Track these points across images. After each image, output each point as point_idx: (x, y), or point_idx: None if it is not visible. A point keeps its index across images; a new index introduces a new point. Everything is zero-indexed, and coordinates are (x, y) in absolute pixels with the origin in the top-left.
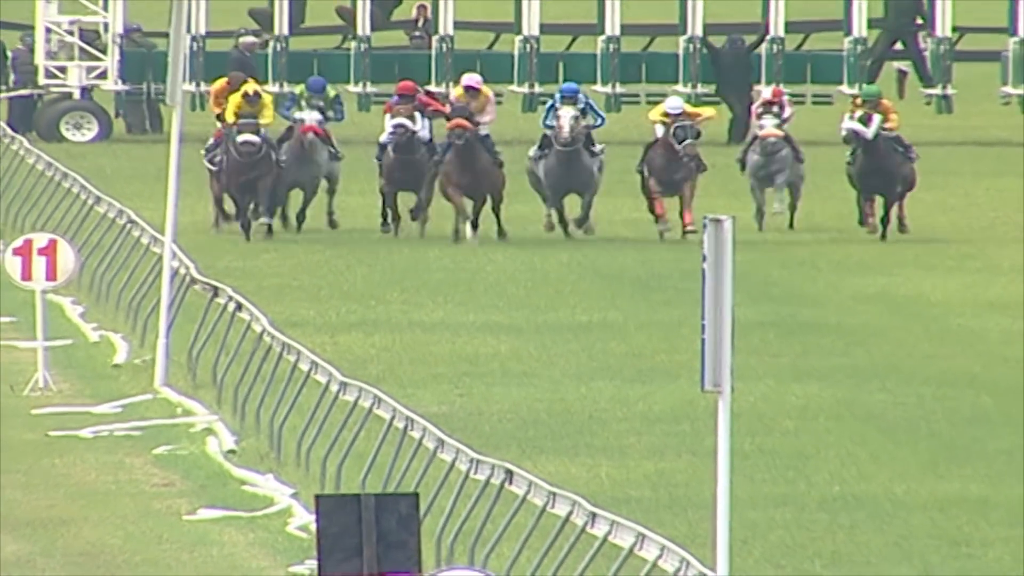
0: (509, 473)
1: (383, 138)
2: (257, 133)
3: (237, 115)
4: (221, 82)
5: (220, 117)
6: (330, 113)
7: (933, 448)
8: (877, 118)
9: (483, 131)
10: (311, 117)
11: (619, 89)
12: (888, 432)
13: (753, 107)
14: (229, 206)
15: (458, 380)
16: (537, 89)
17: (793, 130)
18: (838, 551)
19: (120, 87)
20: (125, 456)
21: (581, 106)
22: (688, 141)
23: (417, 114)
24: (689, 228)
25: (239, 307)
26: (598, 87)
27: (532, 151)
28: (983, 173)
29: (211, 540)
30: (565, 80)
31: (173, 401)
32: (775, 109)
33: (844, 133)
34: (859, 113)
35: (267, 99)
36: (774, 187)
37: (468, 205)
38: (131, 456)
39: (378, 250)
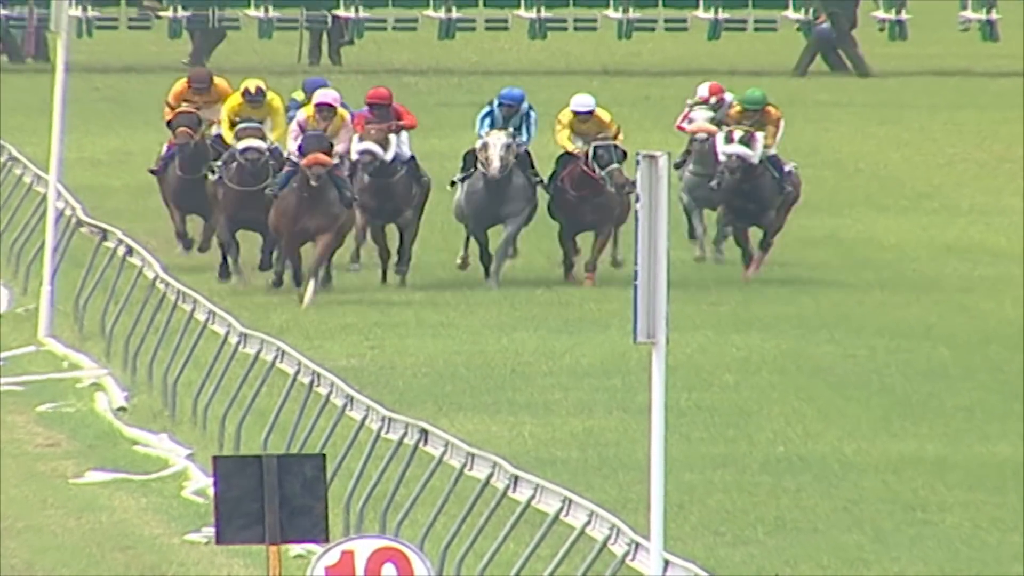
0: (424, 432)
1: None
2: (264, 139)
3: (234, 120)
4: (180, 83)
5: (171, 125)
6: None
7: (886, 404)
8: (760, 137)
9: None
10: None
11: (633, 15)
12: (837, 387)
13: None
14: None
15: (369, 331)
16: (544, 14)
17: (732, 56)
18: (782, 516)
19: (0, 12)
20: (6, 414)
21: (514, 128)
22: (614, 166)
23: (392, 136)
24: (589, 278)
25: (130, 251)
26: (611, 12)
27: (457, 174)
28: (940, 105)
29: (100, 505)
30: (575, 3)
31: (58, 354)
32: (712, 102)
33: (724, 159)
34: (739, 133)
35: (276, 101)
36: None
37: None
38: (13, 414)
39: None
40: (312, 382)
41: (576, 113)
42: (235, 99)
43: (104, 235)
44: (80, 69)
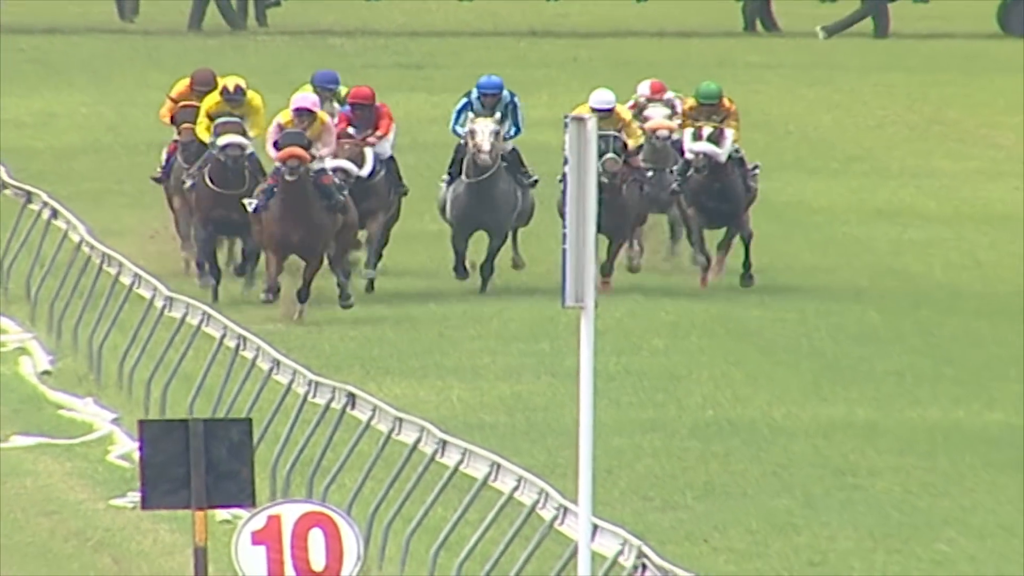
0: (351, 396)
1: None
2: (244, 135)
3: (212, 117)
4: (182, 83)
5: (175, 121)
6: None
7: (816, 369)
8: (730, 134)
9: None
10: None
11: None
12: (766, 351)
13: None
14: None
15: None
16: None
17: (660, 18)
18: (712, 481)
19: None
20: None
21: (499, 114)
22: (609, 156)
23: (368, 150)
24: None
25: (55, 214)
26: None
27: (443, 176)
28: (871, 67)
29: (24, 470)
30: None
31: None
32: (663, 100)
33: (691, 156)
34: (708, 130)
35: (256, 100)
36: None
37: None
38: None
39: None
40: (238, 346)
41: (595, 110)
42: (213, 96)
43: (28, 197)
44: (5, 31)
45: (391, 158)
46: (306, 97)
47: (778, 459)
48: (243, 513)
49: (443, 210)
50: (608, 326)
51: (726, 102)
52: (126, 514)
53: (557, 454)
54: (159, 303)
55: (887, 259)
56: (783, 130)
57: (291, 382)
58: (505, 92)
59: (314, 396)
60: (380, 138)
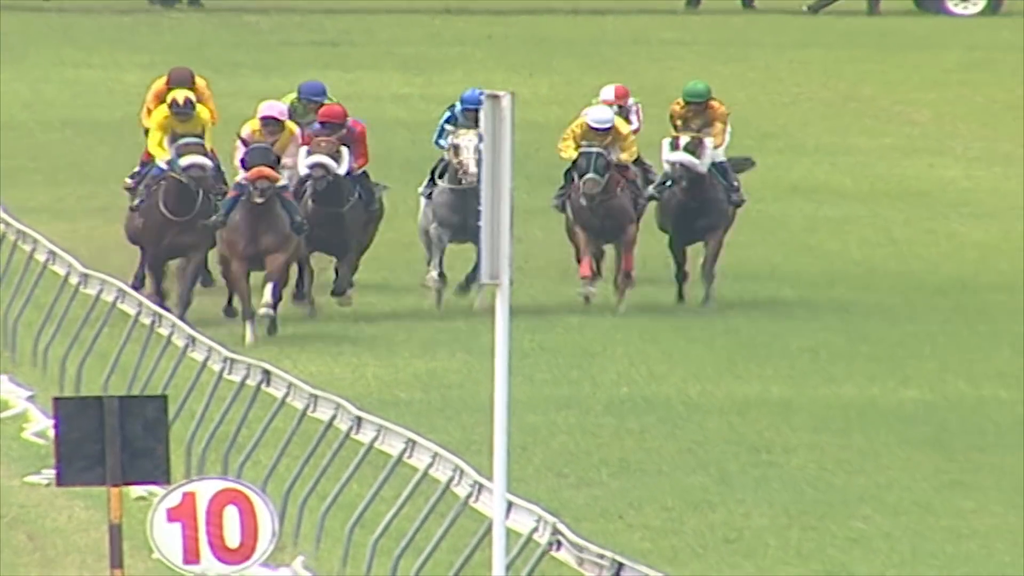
0: (266, 374)
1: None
2: (207, 156)
3: (164, 131)
4: (159, 83)
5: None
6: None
7: (730, 346)
8: (710, 143)
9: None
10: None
11: None
12: (681, 329)
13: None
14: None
15: (213, 270)
16: None
17: None
18: (626, 458)
19: None
20: None
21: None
22: (589, 176)
23: (344, 149)
24: (624, 288)
25: None
26: None
27: (422, 186)
28: (785, 44)
29: None
30: None
31: None
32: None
33: (668, 168)
34: (686, 139)
35: (204, 113)
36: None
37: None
38: None
39: (122, 129)
40: (153, 323)
41: (593, 129)
42: (161, 112)
43: None
44: None
45: (364, 173)
46: (273, 106)
47: (693, 436)
48: (158, 490)
49: (425, 219)
50: (523, 303)
51: (714, 104)
52: (41, 491)
53: (472, 431)
54: (74, 280)
55: (802, 236)
56: None
57: (206, 359)
58: None
59: (229, 373)
60: (358, 168)
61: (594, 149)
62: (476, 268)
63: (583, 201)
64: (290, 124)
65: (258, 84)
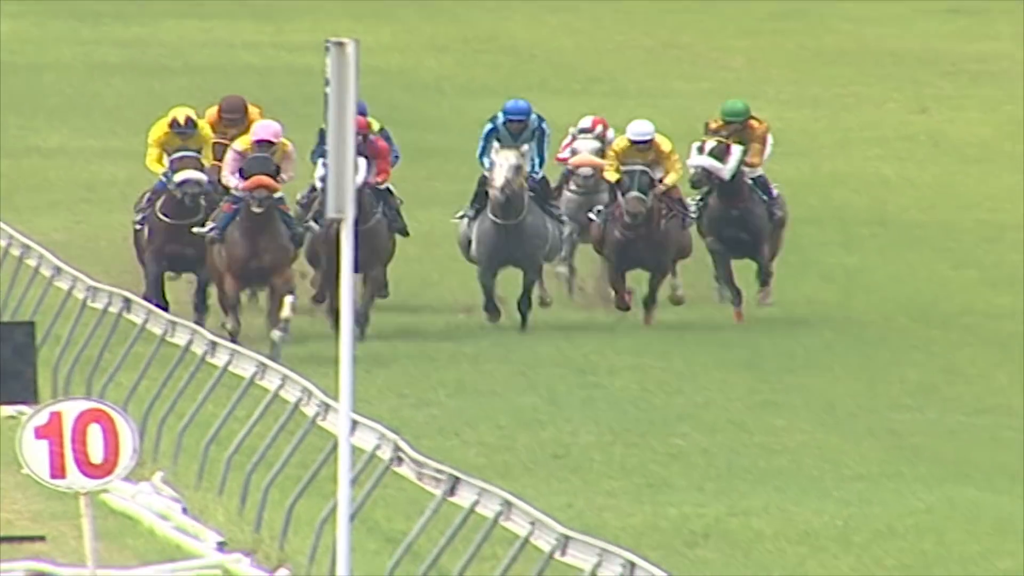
0: (127, 301)
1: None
2: (202, 171)
3: (163, 151)
4: (211, 112)
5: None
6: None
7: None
8: (737, 151)
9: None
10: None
11: None
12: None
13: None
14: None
15: (75, 207)
16: None
17: None
18: (462, 380)
19: None
20: None
21: (525, 147)
22: (634, 194)
23: (362, 160)
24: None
25: None
26: None
27: (464, 208)
28: None
29: None
30: None
31: None
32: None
33: (693, 172)
34: (712, 144)
35: (206, 131)
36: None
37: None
38: None
39: None
40: (22, 255)
41: (633, 142)
42: (161, 128)
43: None
44: None
45: (388, 190)
46: (268, 127)
47: (524, 359)
48: (27, 410)
49: (465, 247)
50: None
51: (754, 123)
52: None
53: (319, 353)
54: None
55: None
56: (528, 54)
57: (71, 288)
58: (533, 117)
59: (93, 301)
60: (380, 183)
61: (637, 167)
62: (525, 294)
63: (627, 219)
64: (284, 142)
65: (120, 32)
